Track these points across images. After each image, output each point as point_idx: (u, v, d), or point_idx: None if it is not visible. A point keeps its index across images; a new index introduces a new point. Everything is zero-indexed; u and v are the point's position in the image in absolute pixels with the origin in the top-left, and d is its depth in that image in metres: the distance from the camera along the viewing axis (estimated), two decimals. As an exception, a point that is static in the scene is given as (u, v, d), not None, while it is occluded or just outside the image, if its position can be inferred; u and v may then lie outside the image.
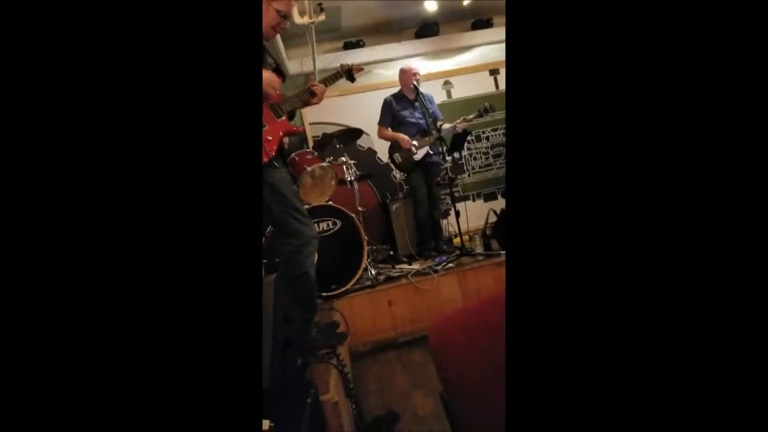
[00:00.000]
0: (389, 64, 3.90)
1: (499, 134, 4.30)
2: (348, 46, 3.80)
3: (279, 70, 1.65)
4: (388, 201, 3.41)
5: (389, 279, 2.51)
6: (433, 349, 0.71)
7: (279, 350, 0.98)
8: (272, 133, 1.50)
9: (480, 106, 3.00)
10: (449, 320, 0.71)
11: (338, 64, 1.85)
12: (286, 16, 1.52)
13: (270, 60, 1.62)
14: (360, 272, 2.44)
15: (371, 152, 4.00)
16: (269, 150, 1.47)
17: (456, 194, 3.54)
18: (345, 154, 2.84)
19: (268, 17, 1.49)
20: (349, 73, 1.80)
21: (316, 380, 1.13)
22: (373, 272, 2.58)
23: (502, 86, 4.37)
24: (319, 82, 1.68)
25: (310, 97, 1.65)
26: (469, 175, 4.24)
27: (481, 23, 4.08)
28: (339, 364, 1.26)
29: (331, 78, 1.77)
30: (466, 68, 4.21)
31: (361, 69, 1.88)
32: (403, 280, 2.45)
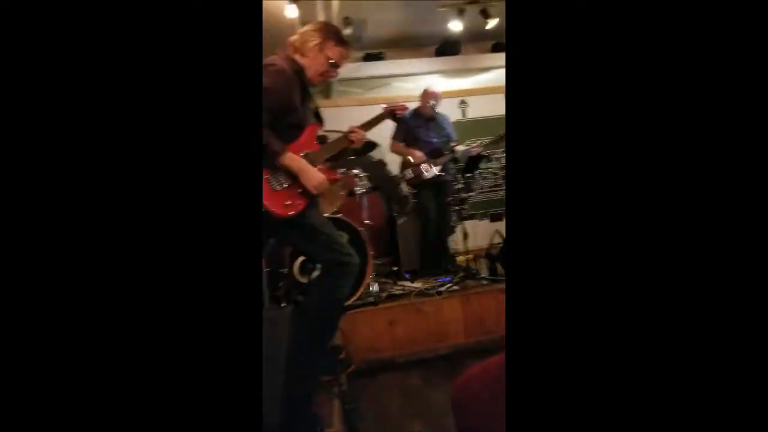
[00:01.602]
0: (408, 78, 3.91)
1: (510, 157, 4.30)
2: (369, 58, 3.82)
3: (318, 115, 1.59)
4: (394, 214, 3.39)
5: (391, 297, 2.48)
6: (455, 404, 0.69)
7: (293, 382, 0.95)
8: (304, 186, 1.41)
9: (501, 132, 3.01)
10: (474, 377, 0.69)
11: (381, 107, 1.76)
12: (337, 66, 1.47)
13: (312, 105, 1.56)
14: (362, 289, 2.41)
15: (381, 164, 3.98)
16: (298, 204, 1.39)
17: (462, 212, 3.54)
18: (357, 166, 2.82)
19: (318, 63, 1.44)
20: (393, 114, 1.73)
21: (319, 412, 1.10)
22: (376, 288, 2.55)
23: (517, 109, 4.40)
24: (359, 126, 1.59)
25: (348, 143, 1.57)
26: (477, 194, 4.23)
27: (501, 46, 4.09)
28: (341, 393, 1.23)
29: (373, 122, 1.67)
30: (484, 89, 4.22)
31: (405, 108, 1.76)
32: (406, 300, 2.42)
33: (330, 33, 1.47)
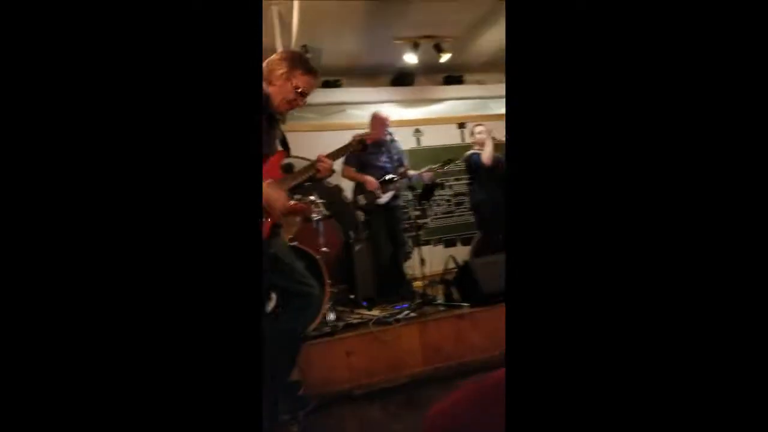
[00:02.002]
0: (363, 105, 3.98)
1: (461, 184, 4.45)
2: (326, 85, 3.85)
3: (285, 143, 1.57)
4: (351, 241, 3.37)
5: (348, 326, 2.43)
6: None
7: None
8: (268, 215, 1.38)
9: (445, 158, 3.15)
10: (444, 415, 0.68)
11: (351, 137, 1.77)
12: (304, 94, 1.48)
13: (279, 133, 1.55)
14: (320, 318, 2.35)
15: (337, 189, 3.97)
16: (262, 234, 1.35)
17: (419, 239, 3.59)
18: (314, 193, 2.79)
19: (285, 91, 1.45)
20: (363, 143, 1.74)
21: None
22: (333, 317, 2.50)
23: (468, 139, 4.61)
24: (327, 156, 1.58)
25: (315, 172, 1.55)
26: (431, 221, 4.32)
27: (453, 79, 4.30)
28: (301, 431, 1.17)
29: (341, 150, 1.67)
30: (436, 119, 4.39)
31: (374, 137, 1.80)
32: (364, 329, 2.38)
33: (297, 62, 1.48)
